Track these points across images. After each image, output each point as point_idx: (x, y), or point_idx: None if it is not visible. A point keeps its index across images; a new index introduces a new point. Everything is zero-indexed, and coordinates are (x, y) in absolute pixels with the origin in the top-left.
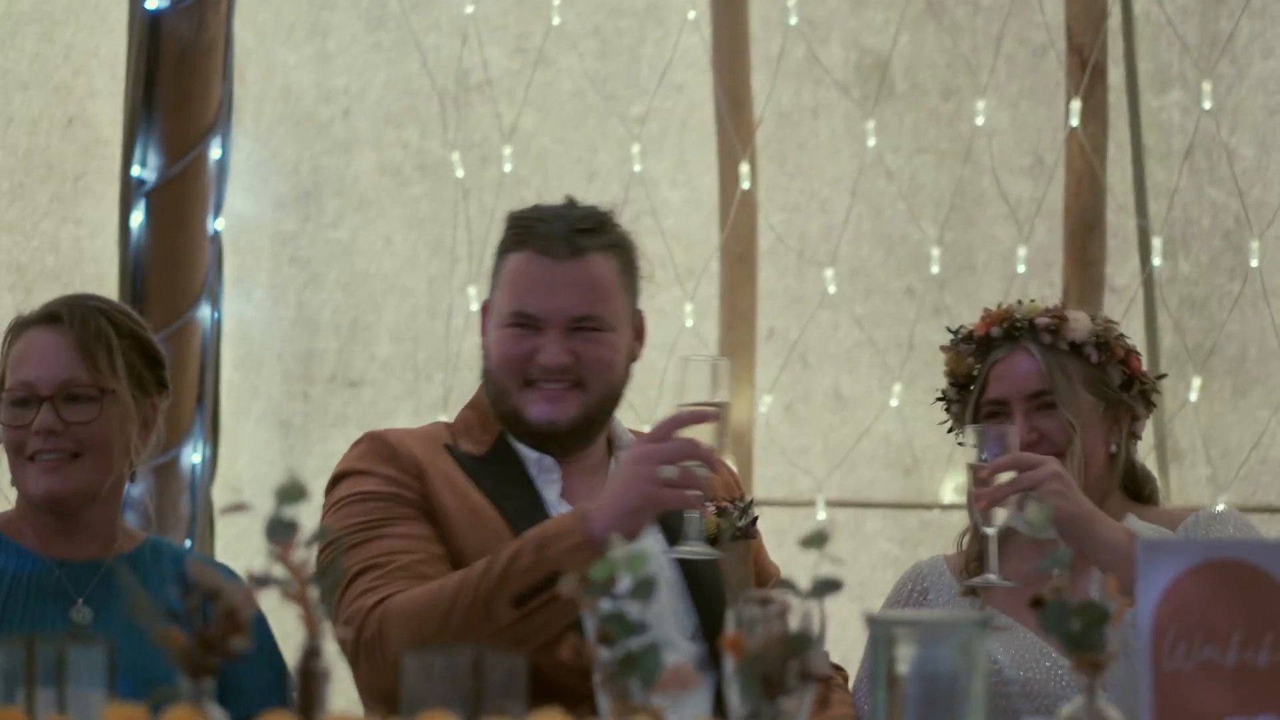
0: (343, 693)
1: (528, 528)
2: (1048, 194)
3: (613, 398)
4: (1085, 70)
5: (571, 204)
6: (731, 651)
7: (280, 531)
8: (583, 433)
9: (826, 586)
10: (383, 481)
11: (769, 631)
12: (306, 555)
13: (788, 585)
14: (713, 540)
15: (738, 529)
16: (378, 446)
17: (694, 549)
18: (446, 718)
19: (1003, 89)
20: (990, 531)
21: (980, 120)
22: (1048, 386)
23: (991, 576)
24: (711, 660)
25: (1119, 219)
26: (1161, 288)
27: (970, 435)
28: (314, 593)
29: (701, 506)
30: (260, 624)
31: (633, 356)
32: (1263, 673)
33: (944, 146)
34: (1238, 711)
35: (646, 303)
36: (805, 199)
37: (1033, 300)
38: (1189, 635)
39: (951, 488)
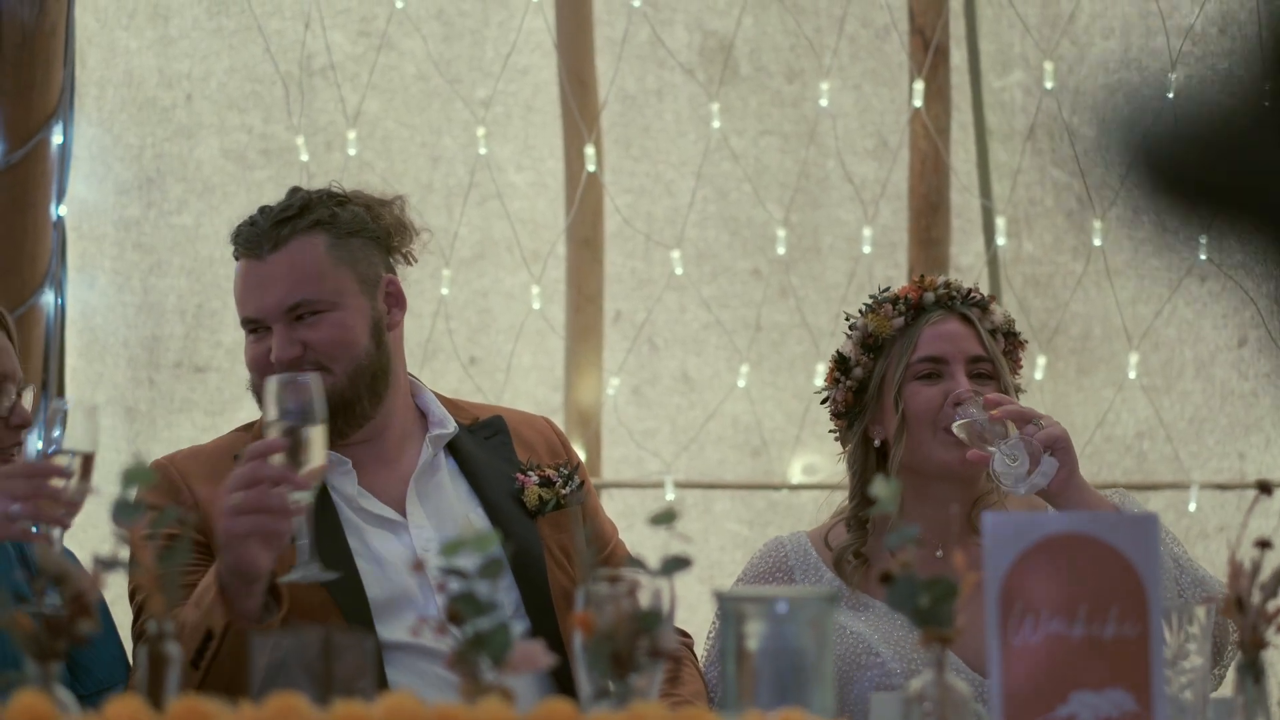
0: None
1: (311, 533)
2: (892, 175)
3: (367, 373)
4: (928, 51)
5: (291, 193)
6: (582, 629)
7: (127, 513)
8: (343, 415)
9: (676, 564)
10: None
11: (618, 609)
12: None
13: (637, 563)
14: (537, 511)
15: (562, 497)
16: (160, 482)
17: (304, 573)
18: (297, 700)
19: (846, 71)
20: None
21: (824, 102)
22: (987, 354)
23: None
24: (535, 636)
25: (963, 199)
26: (1006, 267)
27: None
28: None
29: (289, 517)
30: (101, 605)
31: (386, 324)
32: (1109, 645)
33: (788, 129)
34: (1085, 684)
35: (493, 285)
36: (651, 181)
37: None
38: (1036, 609)
39: (799, 468)
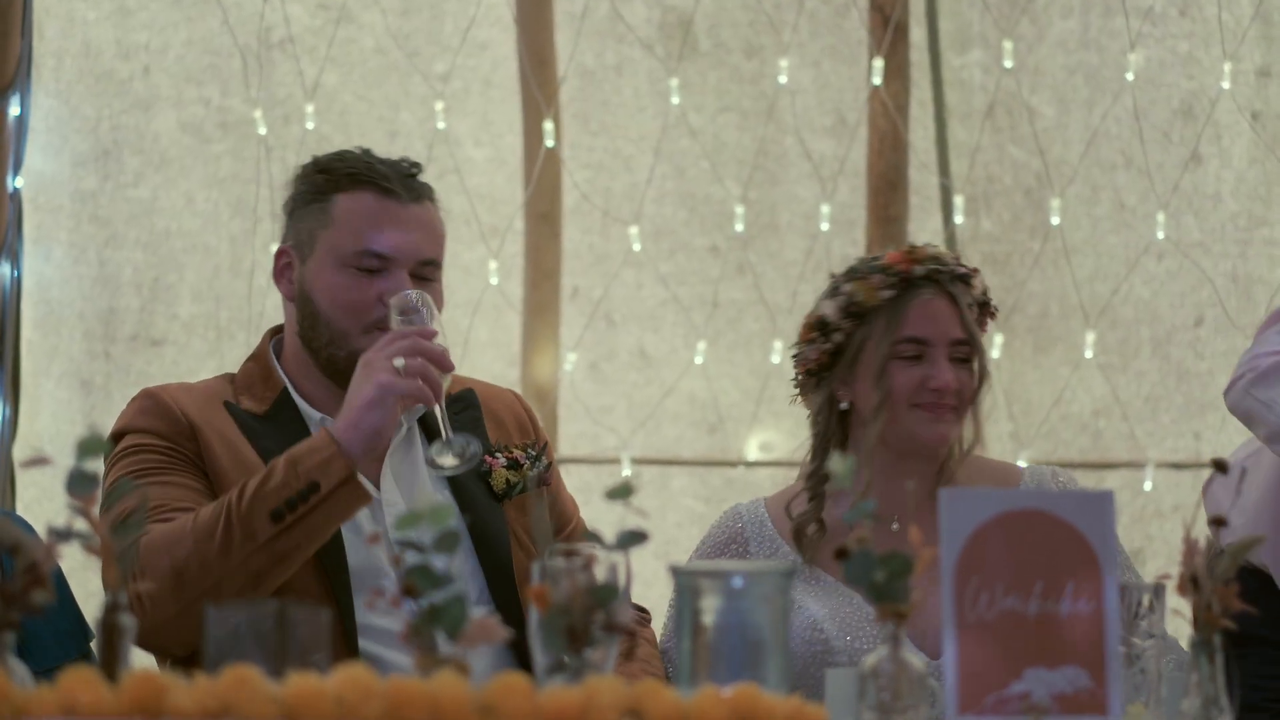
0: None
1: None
2: (850, 152)
3: None
4: (887, 29)
5: (370, 152)
6: (536, 603)
7: (82, 485)
8: None
9: (632, 538)
10: (155, 437)
11: (574, 583)
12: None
13: (594, 537)
14: (504, 494)
15: (528, 479)
16: (151, 405)
17: (445, 460)
18: (251, 672)
19: (805, 47)
20: None
21: (783, 79)
22: (968, 337)
23: None
24: (501, 617)
25: (921, 177)
26: (963, 246)
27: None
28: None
29: (438, 400)
30: (57, 576)
31: None
32: (1064, 622)
33: (747, 105)
34: (1040, 661)
35: (451, 260)
36: (609, 157)
37: (935, 245)
38: (991, 585)
39: (756, 444)
